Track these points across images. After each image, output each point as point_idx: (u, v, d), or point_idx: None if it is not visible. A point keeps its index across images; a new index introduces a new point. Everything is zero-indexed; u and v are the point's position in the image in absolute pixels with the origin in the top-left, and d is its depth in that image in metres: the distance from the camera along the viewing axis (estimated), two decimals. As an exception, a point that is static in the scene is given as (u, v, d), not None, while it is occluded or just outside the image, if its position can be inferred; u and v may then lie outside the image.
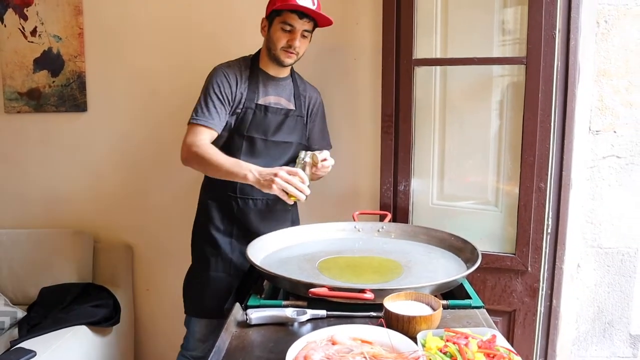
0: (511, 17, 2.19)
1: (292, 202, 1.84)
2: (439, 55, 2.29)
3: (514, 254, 2.16)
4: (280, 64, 2.10)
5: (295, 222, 2.35)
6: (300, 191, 1.80)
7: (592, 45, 2.11)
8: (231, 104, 2.06)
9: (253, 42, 2.22)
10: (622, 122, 2.15)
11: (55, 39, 2.77)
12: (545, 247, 2.13)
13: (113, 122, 2.82)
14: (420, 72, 2.27)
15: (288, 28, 2.02)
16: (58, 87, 2.81)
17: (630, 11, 2.10)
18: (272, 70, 2.15)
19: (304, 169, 1.90)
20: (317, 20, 2.07)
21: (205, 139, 2.01)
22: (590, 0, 2.07)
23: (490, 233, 2.25)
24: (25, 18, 2.77)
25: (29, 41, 2.78)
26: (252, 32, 2.22)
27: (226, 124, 2.07)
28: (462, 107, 2.35)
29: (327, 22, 2.08)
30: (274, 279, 1.60)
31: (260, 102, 2.10)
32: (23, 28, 2.78)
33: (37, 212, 2.93)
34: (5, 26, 2.78)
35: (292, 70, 2.24)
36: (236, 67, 2.12)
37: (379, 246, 1.94)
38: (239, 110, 2.07)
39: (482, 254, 1.70)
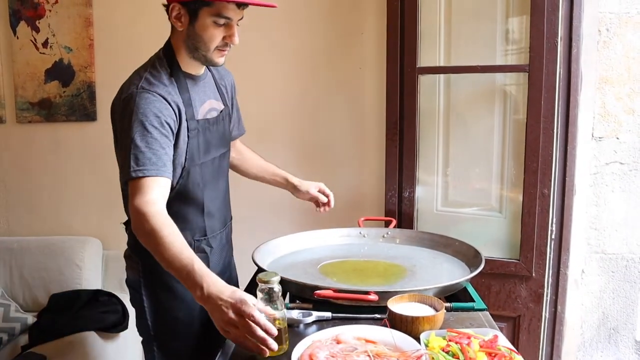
0: (514, 26, 2.22)
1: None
2: (442, 64, 2.32)
3: (519, 260, 2.17)
4: (214, 65, 1.64)
5: None
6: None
7: (594, 53, 2.13)
8: (174, 133, 1.55)
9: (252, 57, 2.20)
10: (625, 128, 2.16)
11: (66, 50, 2.83)
12: (550, 253, 2.15)
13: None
14: (424, 80, 2.30)
15: (223, 22, 1.53)
16: (68, 97, 2.85)
17: (631, 19, 2.12)
18: (193, 70, 1.66)
19: (273, 301, 1.29)
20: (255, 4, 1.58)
21: (160, 197, 1.43)
22: (591, 9, 2.10)
23: (495, 239, 2.27)
24: (37, 30, 2.82)
25: (40, 52, 2.84)
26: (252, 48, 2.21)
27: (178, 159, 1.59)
28: (466, 115, 2.37)
29: (268, 4, 1.57)
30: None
31: (200, 116, 1.65)
32: (35, 40, 2.83)
33: (48, 219, 2.97)
34: (17, 38, 2.84)
35: None
36: (164, 80, 1.57)
37: (384, 251, 1.95)
38: (187, 136, 1.60)
39: (486, 259, 1.70)
